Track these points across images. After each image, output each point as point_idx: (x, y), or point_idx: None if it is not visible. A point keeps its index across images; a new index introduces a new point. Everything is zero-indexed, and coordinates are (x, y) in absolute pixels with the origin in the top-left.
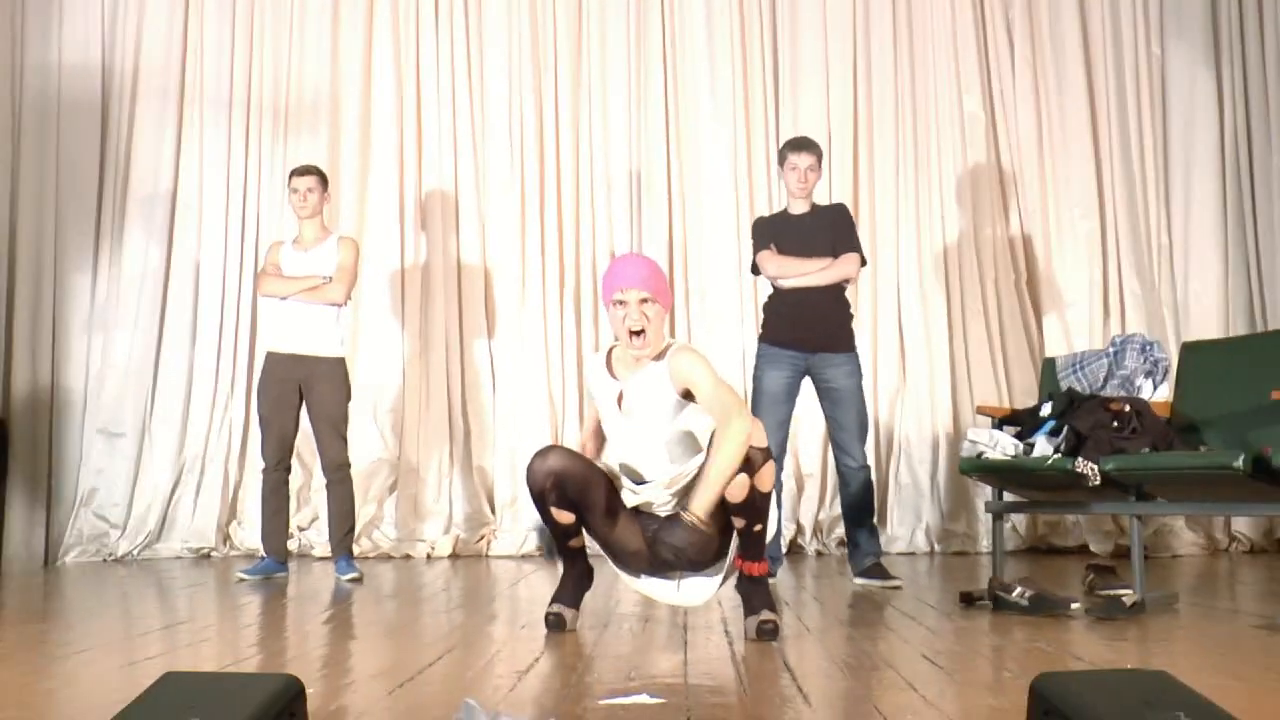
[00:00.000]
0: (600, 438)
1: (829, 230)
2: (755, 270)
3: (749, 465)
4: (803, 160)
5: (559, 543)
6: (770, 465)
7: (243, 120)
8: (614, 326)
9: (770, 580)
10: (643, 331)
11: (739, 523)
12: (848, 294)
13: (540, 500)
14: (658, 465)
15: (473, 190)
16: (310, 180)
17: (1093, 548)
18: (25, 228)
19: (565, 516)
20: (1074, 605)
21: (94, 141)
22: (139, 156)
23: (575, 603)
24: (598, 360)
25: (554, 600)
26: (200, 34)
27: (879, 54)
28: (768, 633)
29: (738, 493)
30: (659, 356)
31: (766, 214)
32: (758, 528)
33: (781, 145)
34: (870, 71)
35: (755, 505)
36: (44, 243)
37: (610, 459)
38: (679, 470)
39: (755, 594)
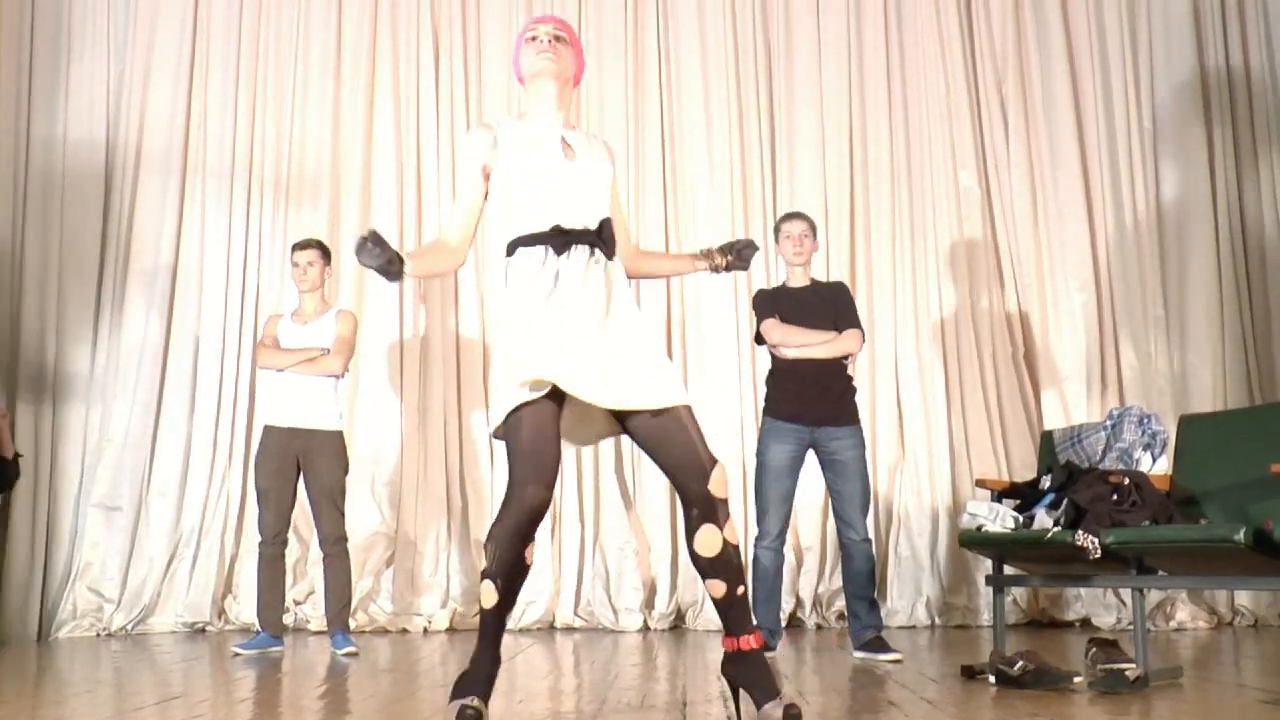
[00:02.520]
0: (468, 232)
1: (830, 306)
2: (759, 340)
3: (715, 516)
4: (796, 227)
5: (501, 609)
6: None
7: (244, 194)
8: (523, 65)
9: (769, 654)
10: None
11: (717, 590)
12: (849, 369)
13: (524, 540)
14: (597, 210)
15: (471, 264)
16: (311, 254)
17: (1094, 621)
18: (29, 300)
19: (530, 554)
20: (1076, 679)
21: (96, 215)
22: (141, 229)
23: (489, 693)
24: (496, 123)
25: (466, 689)
26: (204, 109)
27: (874, 129)
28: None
29: (709, 547)
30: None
31: (766, 286)
32: (740, 590)
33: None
34: (866, 146)
35: (732, 562)
36: (46, 315)
37: (538, 222)
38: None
39: (764, 676)
